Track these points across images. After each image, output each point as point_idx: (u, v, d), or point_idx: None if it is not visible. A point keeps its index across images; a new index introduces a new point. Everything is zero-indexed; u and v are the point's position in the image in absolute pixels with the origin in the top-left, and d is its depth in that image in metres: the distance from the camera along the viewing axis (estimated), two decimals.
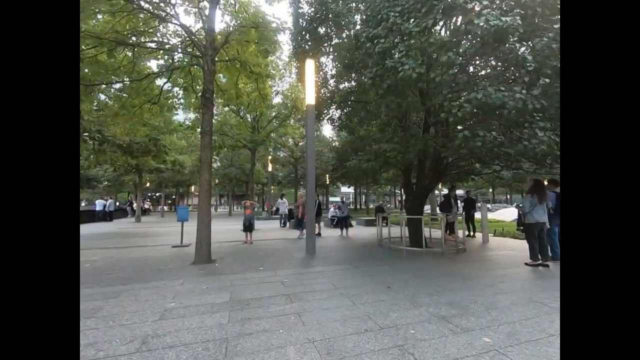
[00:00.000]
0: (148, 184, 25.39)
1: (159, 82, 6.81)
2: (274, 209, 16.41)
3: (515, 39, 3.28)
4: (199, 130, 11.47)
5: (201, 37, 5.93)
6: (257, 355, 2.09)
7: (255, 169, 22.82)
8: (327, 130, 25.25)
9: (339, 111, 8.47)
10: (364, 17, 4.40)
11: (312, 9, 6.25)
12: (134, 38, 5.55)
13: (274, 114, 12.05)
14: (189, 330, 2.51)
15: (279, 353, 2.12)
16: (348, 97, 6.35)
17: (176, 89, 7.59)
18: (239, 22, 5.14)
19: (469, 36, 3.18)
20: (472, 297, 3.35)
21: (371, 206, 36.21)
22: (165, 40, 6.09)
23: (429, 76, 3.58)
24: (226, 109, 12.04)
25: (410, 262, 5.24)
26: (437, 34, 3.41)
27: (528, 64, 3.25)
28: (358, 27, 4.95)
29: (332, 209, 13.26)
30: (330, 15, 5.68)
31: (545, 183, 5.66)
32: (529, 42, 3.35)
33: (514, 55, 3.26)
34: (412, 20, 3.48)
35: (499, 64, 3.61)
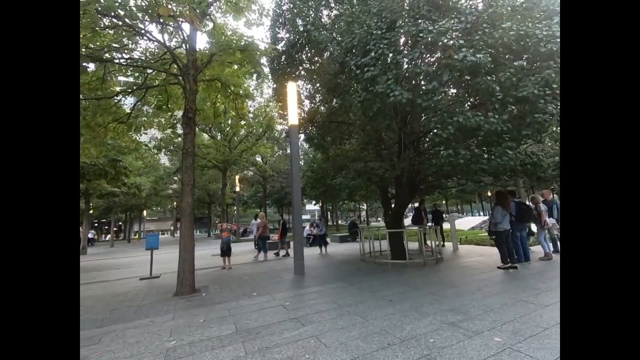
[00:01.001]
0: (91, 211, 22.60)
1: (129, 100, 6.37)
2: (248, 230, 15.78)
3: (485, 72, 3.86)
4: (163, 151, 10.83)
5: (181, 55, 5.79)
6: None
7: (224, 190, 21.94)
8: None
9: (313, 130, 8.74)
10: (349, 46, 4.76)
11: (292, 36, 6.54)
12: (107, 55, 5.19)
13: (242, 132, 11.89)
14: None
15: None
16: (331, 118, 6.62)
17: (146, 107, 7.16)
18: (222, 44, 5.13)
19: (449, 69, 3.65)
20: (468, 302, 3.62)
21: (341, 222, 36.74)
22: (143, 57, 5.80)
23: (415, 101, 3.99)
24: (197, 128, 11.61)
25: (399, 275, 5.45)
26: (422, 65, 3.85)
27: (497, 94, 3.85)
28: (336, 53, 5.30)
29: (306, 228, 13.17)
30: (311, 43, 6.01)
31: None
32: (495, 76, 3.96)
33: (485, 86, 3.83)
34: (400, 53, 3.91)
35: (474, 93, 4.16)
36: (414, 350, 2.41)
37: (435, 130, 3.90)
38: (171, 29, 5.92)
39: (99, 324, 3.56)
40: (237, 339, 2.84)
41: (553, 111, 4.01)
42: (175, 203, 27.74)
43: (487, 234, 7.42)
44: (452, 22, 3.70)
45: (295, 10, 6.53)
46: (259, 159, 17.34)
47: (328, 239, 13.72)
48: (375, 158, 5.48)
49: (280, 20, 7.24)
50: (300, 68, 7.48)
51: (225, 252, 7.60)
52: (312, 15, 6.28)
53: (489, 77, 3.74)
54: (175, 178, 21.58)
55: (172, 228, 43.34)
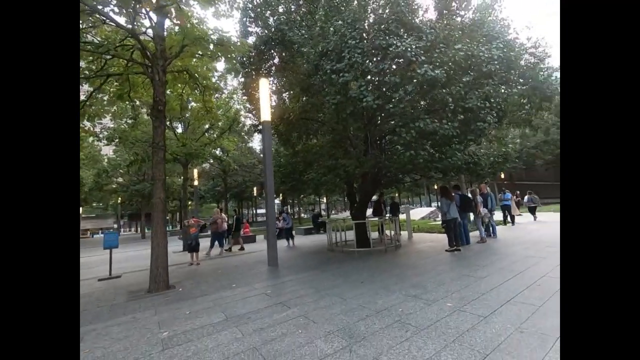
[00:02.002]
0: None
1: (85, 87, 5.81)
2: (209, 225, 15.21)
3: (441, 85, 4.55)
4: (116, 142, 9.94)
5: (147, 43, 5.49)
6: (294, 353, 2.35)
7: (175, 185, 20.59)
8: (256, 143, 25.05)
9: (282, 126, 8.92)
10: (324, 50, 5.08)
11: (265, 31, 6.61)
12: None
13: (206, 126, 11.48)
14: (209, 350, 2.52)
15: (312, 346, 2.44)
16: (302, 115, 6.90)
17: (100, 95, 6.58)
18: (195, 35, 5.02)
19: (414, 80, 4.24)
20: (425, 279, 4.33)
21: (303, 215, 37.26)
22: (97, 41, 5.34)
23: (384, 107, 4.52)
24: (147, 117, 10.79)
25: (365, 261, 6.07)
26: (390, 76, 4.37)
27: (450, 104, 4.57)
28: (312, 55, 5.59)
29: None
30: (284, 42, 6.18)
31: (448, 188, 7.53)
32: (448, 89, 4.67)
33: (440, 97, 4.52)
34: (371, 62, 4.38)
35: (431, 102, 4.84)
36: (388, 318, 2.93)
37: (401, 134, 4.48)
38: (131, 10, 5.56)
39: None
40: (230, 325, 3.07)
41: (490, 120, 4.90)
42: (120, 199, 25.21)
43: (440, 223, 8.49)
44: (415, 40, 4.28)
45: (268, 7, 6.60)
46: (218, 151, 16.78)
47: (294, 232, 14.14)
48: (345, 155, 5.96)
49: (252, 15, 7.21)
50: (271, 63, 7.57)
51: (194, 247, 7.46)
52: (283, 11, 6.40)
53: (443, 90, 4.43)
54: (121, 171, 19.69)
55: (115, 226, 39.18)
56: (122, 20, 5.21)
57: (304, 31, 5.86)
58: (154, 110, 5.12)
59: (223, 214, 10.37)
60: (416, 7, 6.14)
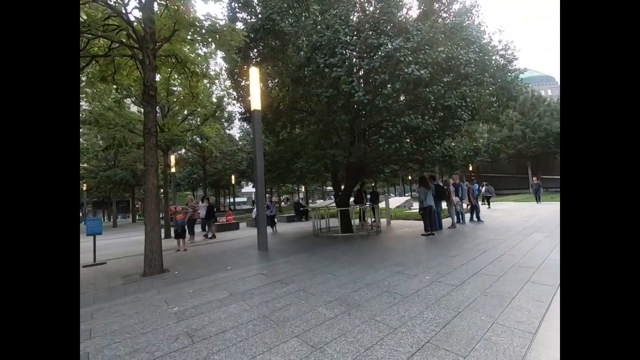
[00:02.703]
0: None
1: None
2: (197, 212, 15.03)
3: (424, 84, 4.99)
4: (92, 124, 9.43)
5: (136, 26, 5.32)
6: (300, 318, 2.71)
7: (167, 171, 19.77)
8: (235, 130, 24.54)
9: (268, 114, 9.01)
10: (317, 44, 5.28)
11: (256, 20, 6.62)
12: None
13: (185, 112, 11.18)
14: (222, 320, 2.80)
15: (315, 313, 2.82)
16: (291, 105, 7.08)
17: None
18: (187, 21, 4.97)
19: (401, 79, 4.61)
20: (405, 258, 4.87)
21: (283, 204, 37.44)
22: (87, 22, 5.09)
23: (373, 102, 4.88)
24: (128, 101, 10.24)
25: (350, 245, 6.55)
26: (380, 73, 4.70)
27: (432, 102, 5.03)
28: (304, 48, 5.76)
29: (255, 209, 13.45)
30: (275, 32, 6.26)
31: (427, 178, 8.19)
32: (430, 87, 5.13)
33: (424, 95, 4.96)
34: (363, 60, 4.68)
35: (415, 99, 5.27)
36: (377, 289, 3.38)
37: (388, 127, 4.88)
38: None
39: (80, 305, 3.52)
40: (236, 299, 3.36)
41: (466, 117, 5.45)
42: (85, 186, 23.68)
43: (417, 211, 9.19)
44: (404, 41, 4.63)
45: None
46: (198, 138, 16.36)
47: (276, 220, 14.41)
48: (333, 146, 6.29)
49: (241, 0, 7.13)
50: (260, 51, 7.57)
51: (180, 234, 7.51)
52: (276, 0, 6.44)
53: (427, 89, 4.87)
54: (89, 156, 18.50)
55: (85, 212, 36.69)
56: None
57: (294, 21, 5.97)
58: (145, 96, 5.07)
59: (198, 202, 10.44)
60: (401, 3, 6.49)
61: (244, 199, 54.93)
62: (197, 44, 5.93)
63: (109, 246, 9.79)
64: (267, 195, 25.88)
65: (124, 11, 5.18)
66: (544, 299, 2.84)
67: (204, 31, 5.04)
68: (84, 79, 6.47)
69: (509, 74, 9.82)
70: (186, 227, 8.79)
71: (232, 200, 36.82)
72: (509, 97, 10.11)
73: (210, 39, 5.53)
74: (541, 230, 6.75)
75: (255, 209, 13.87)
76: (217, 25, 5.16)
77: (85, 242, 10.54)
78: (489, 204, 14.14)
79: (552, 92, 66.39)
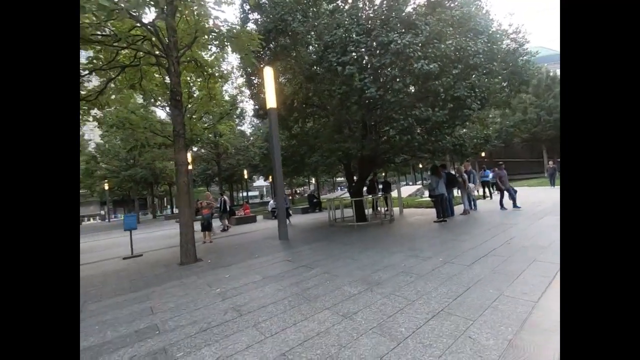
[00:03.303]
0: None
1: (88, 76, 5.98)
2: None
3: (434, 78, 5.19)
4: (114, 128, 10.04)
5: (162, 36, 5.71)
6: (329, 295, 3.12)
7: (168, 169, 20.59)
8: (246, 126, 25.00)
9: (281, 110, 9.34)
10: (329, 43, 5.52)
11: (268, 20, 6.88)
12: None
13: (203, 112, 11.64)
14: (261, 298, 3.24)
15: (341, 291, 3.22)
16: (305, 101, 7.38)
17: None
18: (205, 28, 5.33)
19: (411, 74, 4.84)
20: (419, 243, 5.20)
21: (297, 197, 38.29)
22: (115, 33, 5.52)
23: (385, 97, 5.13)
24: (139, 100, 10.80)
25: (365, 233, 6.92)
26: (390, 69, 4.93)
27: (441, 94, 5.24)
28: (316, 47, 6.01)
29: (271, 202, 13.99)
30: (288, 32, 6.52)
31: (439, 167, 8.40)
32: (440, 80, 5.32)
33: (433, 88, 5.17)
34: (374, 58, 4.92)
35: (425, 92, 5.48)
36: (395, 270, 3.75)
37: (399, 120, 5.14)
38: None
39: (132, 289, 4.07)
40: (269, 282, 3.80)
41: (475, 107, 5.63)
42: (106, 185, 24.86)
43: (428, 197, 9.42)
44: (413, 37, 4.83)
45: None
46: (212, 136, 16.91)
47: (290, 211, 14.95)
48: (347, 139, 6.59)
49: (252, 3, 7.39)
50: (272, 50, 7.85)
51: (206, 227, 8.07)
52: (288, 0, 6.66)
53: (436, 82, 5.08)
54: (120, 156, 19.40)
55: (102, 212, 38.59)
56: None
57: (306, 21, 6.21)
58: (172, 100, 5.49)
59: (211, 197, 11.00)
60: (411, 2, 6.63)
61: (256, 193, 55.92)
62: (211, 47, 6.28)
63: (137, 241, 10.52)
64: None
65: (145, 21, 5.58)
66: (548, 274, 3.14)
67: (223, 37, 5.37)
68: (112, 86, 6.97)
69: (521, 58, 9.73)
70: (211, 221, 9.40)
71: (245, 194, 37.70)
72: (520, 82, 10.04)
73: (227, 44, 5.88)
74: (552, 213, 6.90)
75: (271, 202, 14.43)
76: (234, 30, 5.49)
77: (120, 237, 11.37)
78: (496, 191, 13.59)
79: None
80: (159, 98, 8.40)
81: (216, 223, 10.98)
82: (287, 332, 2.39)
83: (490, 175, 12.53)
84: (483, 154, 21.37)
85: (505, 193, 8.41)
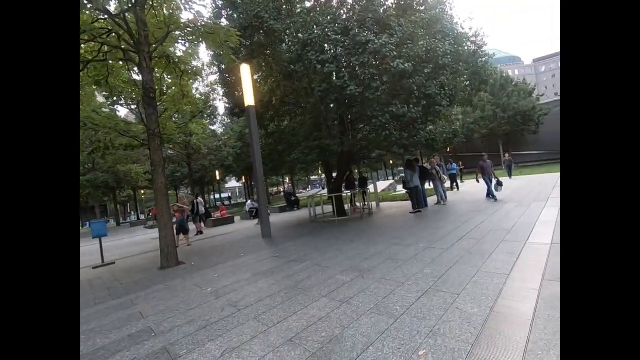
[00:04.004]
0: None
1: None
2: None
3: (408, 76, 5.51)
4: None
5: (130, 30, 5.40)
6: (323, 284, 3.24)
7: (133, 173, 19.31)
8: (217, 125, 24.18)
9: (258, 107, 9.24)
10: (307, 41, 5.61)
11: (243, 16, 6.79)
12: None
13: (175, 110, 11.10)
14: (256, 293, 3.27)
15: (334, 280, 3.35)
16: (283, 99, 7.39)
17: None
18: (179, 22, 5.14)
19: (388, 72, 5.09)
20: (400, 233, 5.51)
21: (272, 196, 37.77)
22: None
23: (364, 95, 5.35)
24: (98, 98, 9.97)
25: (347, 227, 7.14)
26: (368, 68, 5.15)
27: (415, 92, 5.58)
28: (294, 46, 6.06)
29: (249, 202, 13.76)
30: (265, 30, 6.50)
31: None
32: (413, 79, 5.67)
33: (408, 86, 5.49)
34: (353, 57, 5.10)
35: (401, 90, 5.80)
36: (381, 258, 3.97)
37: (378, 117, 5.40)
38: None
39: (112, 297, 3.85)
40: (261, 278, 3.82)
41: (445, 104, 6.07)
42: None
43: (403, 189, 9.86)
44: (388, 37, 5.09)
45: None
46: (184, 136, 16.15)
47: (269, 211, 14.82)
48: (327, 136, 6.73)
49: None
50: (247, 47, 7.73)
51: (179, 230, 7.77)
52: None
53: (410, 80, 5.40)
54: None
55: None
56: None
57: (280, 18, 6.22)
58: (146, 98, 5.23)
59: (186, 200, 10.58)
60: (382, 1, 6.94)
61: (229, 194, 54.31)
62: (184, 42, 6.06)
63: (106, 249, 9.78)
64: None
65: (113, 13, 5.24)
66: (514, 251, 3.55)
67: (200, 33, 5.22)
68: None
69: (480, 60, 10.59)
70: (185, 224, 9.04)
71: (217, 196, 36.46)
72: (480, 81, 10.93)
73: (202, 40, 5.72)
74: (512, 200, 7.65)
75: (248, 202, 14.19)
76: (210, 27, 5.36)
77: (85, 246, 10.49)
78: (457, 186, 13.36)
79: (518, 72, 69.83)
80: (124, 96, 7.87)
81: (191, 226, 10.60)
82: (289, 320, 2.47)
83: (456, 168, 13.50)
84: (448, 149, 22.83)
85: (495, 182, 8.12)
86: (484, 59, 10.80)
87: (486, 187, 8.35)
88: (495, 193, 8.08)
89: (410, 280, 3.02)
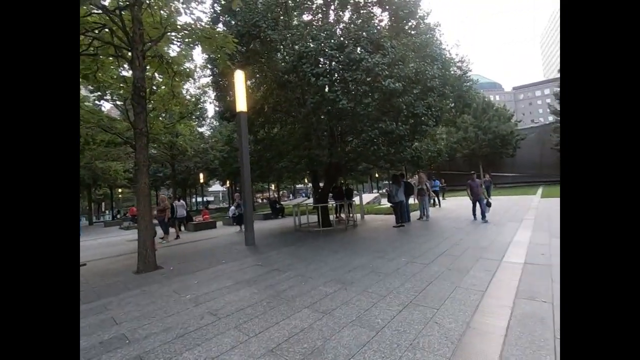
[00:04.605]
0: None
1: None
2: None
3: (398, 95, 5.75)
4: None
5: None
6: (306, 295, 3.24)
7: (112, 170, 18.55)
8: (204, 128, 23.82)
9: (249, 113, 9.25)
10: (303, 54, 5.74)
11: (241, 24, 6.88)
12: None
13: (164, 110, 10.89)
14: (237, 301, 3.22)
15: (317, 291, 3.36)
16: (275, 107, 7.45)
17: None
18: (175, 24, 5.15)
19: (378, 90, 5.30)
20: (383, 246, 5.60)
21: (260, 201, 37.23)
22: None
23: (355, 109, 5.51)
24: (82, 92, 9.61)
25: (332, 237, 7.17)
26: (360, 84, 5.33)
27: (404, 110, 5.81)
28: (290, 57, 6.19)
29: (232, 208, 13.50)
30: (262, 40, 6.61)
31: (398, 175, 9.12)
32: (402, 98, 5.91)
33: (397, 105, 5.72)
34: (346, 73, 5.29)
35: (390, 108, 6.03)
36: (365, 271, 4.02)
37: (367, 132, 5.56)
38: None
39: (83, 301, 3.65)
40: (243, 286, 3.76)
41: (431, 124, 6.34)
42: None
43: (387, 203, 10.02)
44: (381, 57, 5.32)
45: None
46: (170, 136, 15.79)
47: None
48: (316, 147, 6.83)
49: (223, 3, 7.31)
50: (242, 54, 7.80)
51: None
52: (262, 8, 6.76)
53: (399, 99, 5.63)
54: None
55: None
56: None
57: (277, 28, 6.36)
58: (135, 96, 5.13)
59: (166, 201, 10.22)
60: (375, 20, 7.27)
61: (211, 198, 53.02)
62: (179, 44, 6.06)
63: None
64: (237, 194, 25.55)
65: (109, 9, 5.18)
66: (491, 269, 3.71)
67: (196, 36, 5.24)
68: None
69: (465, 84, 11.19)
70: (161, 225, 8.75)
71: (200, 199, 35.52)
72: (464, 104, 11.51)
73: (198, 43, 5.74)
74: (490, 220, 7.98)
75: (232, 208, 13.91)
76: (207, 31, 5.40)
77: None
78: (439, 202, 13.65)
79: (499, 98, 73.95)
80: (111, 92, 7.66)
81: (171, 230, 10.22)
82: (270, 330, 2.45)
83: (439, 185, 13.97)
84: (431, 166, 23.57)
85: (484, 203, 7.63)
86: (468, 83, 11.43)
87: (479, 205, 7.71)
88: (485, 213, 7.52)
89: (391, 294, 3.08)
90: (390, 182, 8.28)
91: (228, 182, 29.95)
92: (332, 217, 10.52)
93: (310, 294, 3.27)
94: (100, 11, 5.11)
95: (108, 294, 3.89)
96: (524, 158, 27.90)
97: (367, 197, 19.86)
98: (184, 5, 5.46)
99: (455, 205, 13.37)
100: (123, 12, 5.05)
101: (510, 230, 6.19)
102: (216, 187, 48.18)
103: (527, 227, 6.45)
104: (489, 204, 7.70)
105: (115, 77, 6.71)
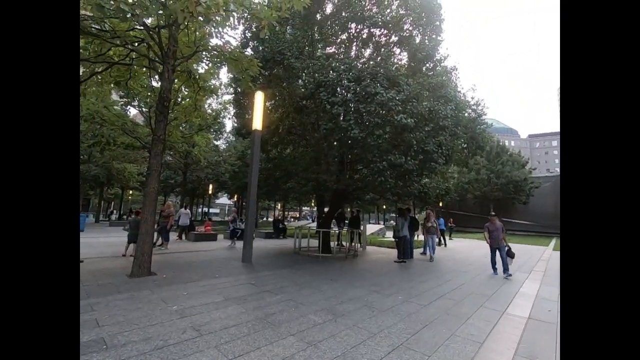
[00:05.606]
0: None
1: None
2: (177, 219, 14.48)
3: (409, 131, 5.86)
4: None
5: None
6: (294, 322, 3.12)
7: (127, 172, 19.15)
8: (220, 141, 24.61)
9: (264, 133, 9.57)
10: (322, 82, 6.04)
11: (267, 50, 7.34)
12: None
13: (184, 121, 11.42)
14: (223, 319, 3.13)
15: (305, 318, 3.24)
16: (290, 130, 7.71)
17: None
18: (208, 46, 5.58)
19: (391, 124, 5.44)
20: (381, 280, 5.41)
21: (265, 219, 37.39)
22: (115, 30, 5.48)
23: (366, 140, 5.63)
24: (112, 96, 10.27)
25: (330, 265, 7.00)
26: (374, 117, 5.50)
27: (414, 145, 5.88)
28: (301, 81, 6.50)
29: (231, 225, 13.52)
30: (284, 66, 7.00)
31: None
32: (414, 134, 6.01)
33: (408, 140, 5.81)
34: (361, 105, 5.50)
35: (401, 142, 6.12)
36: (358, 304, 3.87)
37: (376, 163, 5.62)
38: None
39: None
40: (231, 303, 3.67)
41: (441, 162, 6.36)
42: None
43: (392, 237, 9.82)
44: (396, 93, 5.53)
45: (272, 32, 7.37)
46: (186, 145, 16.33)
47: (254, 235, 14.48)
48: (324, 172, 6.91)
49: (254, 30, 7.88)
50: (265, 77, 8.25)
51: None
52: (290, 38, 7.23)
53: (411, 134, 5.74)
54: None
55: None
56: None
57: (301, 58, 6.75)
58: (160, 106, 5.44)
59: (172, 208, 10.23)
60: (394, 59, 7.64)
61: (217, 210, 53.26)
62: (207, 62, 6.48)
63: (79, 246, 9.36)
64: (234, 208, 25.60)
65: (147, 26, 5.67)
66: (492, 319, 3.50)
67: (224, 57, 5.62)
68: (97, 79, 6.70)
69: (479, 127, 11.29)
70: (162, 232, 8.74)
71: (207, 210, 35.77)
72: (477, 146, 11.52)
73: (225, 64, 6.14)
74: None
75: (231, 224, 13.89)
76: (235, 54, 5.79)
77: None
78: (444, 241, 12.43)
79: (514, 144, 73.80)
80: (139, 99, 8.17)
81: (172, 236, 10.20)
82: (250, 355, 2.35)
83: (444, 223, 13.62)
84: (441, 204, 23.20)
85: (505, 252, 6.19)
86: (482, 126, 11.52)
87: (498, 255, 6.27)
88: (508, 265, 6.16)
89: (383, 332, 2.93)
90: (397, 215, 8.16)
91: (235, 196, 30.21)
92: (332, 243, 10.33)
93: (299, 321, 3.15)
94: (142, 27, 5.61)
95: (97, 294, 3.85)
96: (537, 207, 27.16)
97: (372, 228, 19.51)
98: (216, 30, 5.94)
99: (462, 247, 12.92)
100: (162, 30, 5.51)
101: (517, 280, 5.89)
102: (224, 199, 48.58)
103: (535, 280, 6.13)
104: (511, 255, 6.20)
105: (144, 86, 7.17)
